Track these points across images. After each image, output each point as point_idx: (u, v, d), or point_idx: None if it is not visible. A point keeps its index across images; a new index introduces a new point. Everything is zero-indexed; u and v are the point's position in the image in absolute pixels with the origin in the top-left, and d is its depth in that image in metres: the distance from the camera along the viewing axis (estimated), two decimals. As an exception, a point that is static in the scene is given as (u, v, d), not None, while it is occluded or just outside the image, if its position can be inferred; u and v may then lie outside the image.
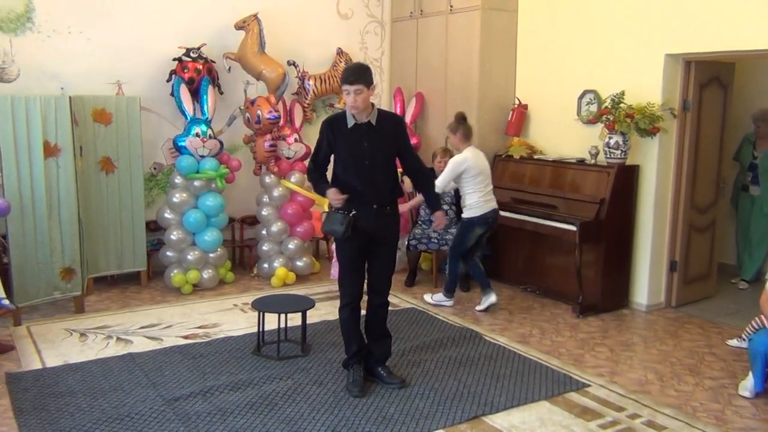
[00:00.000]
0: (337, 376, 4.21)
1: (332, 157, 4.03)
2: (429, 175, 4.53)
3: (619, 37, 5.73)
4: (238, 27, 6.39)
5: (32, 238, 5.04)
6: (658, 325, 5.36)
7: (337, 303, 4.13)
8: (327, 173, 4.11)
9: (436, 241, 6.14)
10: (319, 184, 4.06)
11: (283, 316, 4.61)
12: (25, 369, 4.28)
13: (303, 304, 4.63)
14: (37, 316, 5.27)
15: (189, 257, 5.92)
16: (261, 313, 4.57)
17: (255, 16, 6.38)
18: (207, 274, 6.02)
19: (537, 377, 4.26)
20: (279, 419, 3.65)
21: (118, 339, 4.82)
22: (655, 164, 5.56)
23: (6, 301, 4.51)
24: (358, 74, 3.78)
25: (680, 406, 3.94)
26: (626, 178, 5.59)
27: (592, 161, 5.77)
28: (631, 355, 4.72)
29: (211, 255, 6.06)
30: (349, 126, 3.89)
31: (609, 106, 5.54)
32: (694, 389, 4.18)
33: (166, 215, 6.00)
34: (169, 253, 5.99)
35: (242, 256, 6.99)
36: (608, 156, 5.59)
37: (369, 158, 3.88)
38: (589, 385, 4.16)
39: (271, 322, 4.64)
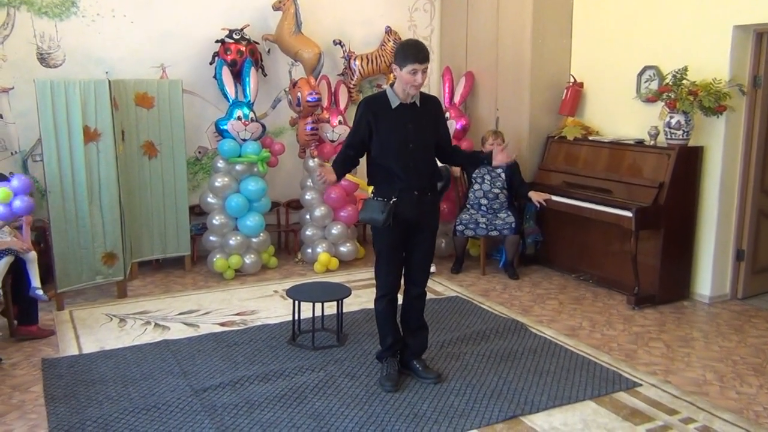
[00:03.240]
0: (371, 368, 4.04)
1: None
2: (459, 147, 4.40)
3: (682, 8, 5.30)
4: (276, 8, 6.26)
5: (74, 224, 5.04)
6: (721, 319, 4.98)
7: (379, 290, 3.94)
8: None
9: (484, 226, 5.90)
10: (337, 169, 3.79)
11: (320, 304, 4.48)
12: (61, 355, 4.29)
13: (338, 293, 4.47)
14: (81, 300, 5.30)
15: (231, 242, 5.86)
16: (296, 302, 4.45)
17: (291, -5, 6.22)
18: (249, 259, 5.95)
19: (583, 374, 3.98)
20: (307, 413, 3.52)
21: (156, 325, 4.80)
22: (721, 145, 5.14)
23: (40, 292, 4.49)
24: (427, 52, 3.59)
25: (741, 410, 3.60)
26: (688, 160, 5.20)
27: (652, 142, 5.39)
28: (689, 352, 4.38)
29: (254, 240, 5.99)
30: (393, 106, 3.66)
31: (670, 83, 5.15)
32: (758, 392, 3.83)
33: (209, 200, 5.95)
34: (211, 238, 5.95)
35: (287, 240, 6.90)
36: (669, 137, 5.21)
37: (413, 141, 3.66)
38: (640, 385, 3.86)
39: (310, 309, 4.51)
